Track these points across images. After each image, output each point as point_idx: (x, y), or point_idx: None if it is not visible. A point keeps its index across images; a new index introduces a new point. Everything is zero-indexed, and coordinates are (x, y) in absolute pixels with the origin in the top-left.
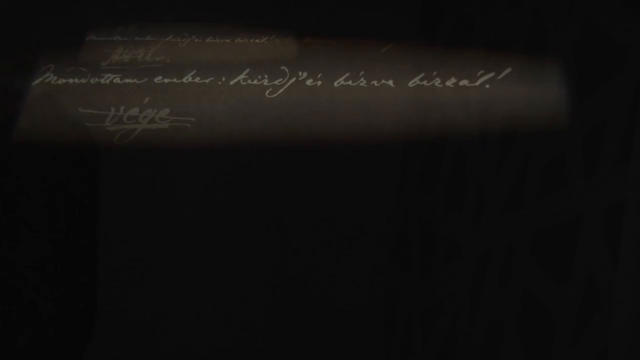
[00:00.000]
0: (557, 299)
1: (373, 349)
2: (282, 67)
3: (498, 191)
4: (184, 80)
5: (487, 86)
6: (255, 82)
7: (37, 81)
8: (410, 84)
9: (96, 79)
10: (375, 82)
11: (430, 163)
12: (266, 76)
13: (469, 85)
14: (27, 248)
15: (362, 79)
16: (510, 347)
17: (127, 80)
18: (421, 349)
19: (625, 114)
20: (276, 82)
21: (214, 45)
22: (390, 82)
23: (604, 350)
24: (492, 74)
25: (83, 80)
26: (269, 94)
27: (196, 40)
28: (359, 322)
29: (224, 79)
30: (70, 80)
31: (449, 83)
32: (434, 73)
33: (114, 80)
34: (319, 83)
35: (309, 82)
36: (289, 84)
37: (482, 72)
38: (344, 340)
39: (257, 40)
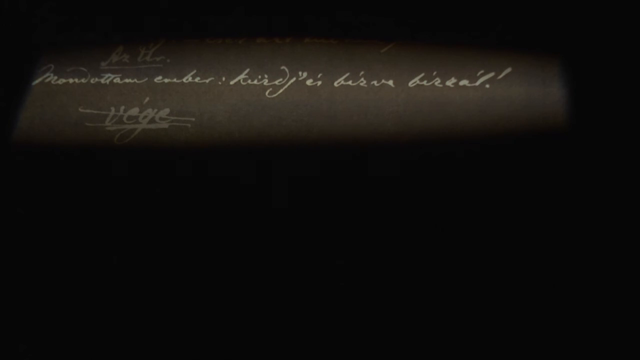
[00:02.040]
0: None
1: None
2: (282, 67)
3: None
4: (184, 80)
5: (487, 86)
6: (255, 82)
7: (37, 81)
8: (410, 84)
9: (96, 79)
10: (375, 82)
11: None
12: (266, 76)
13: (469, 85)
14: None
15: (362, 79)
16: None
17: (127, 80)
18: None
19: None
20: (276, 82)
21: (214, 45)
22: (390, 82)
23: None
24: (492, 74)
25: (83, 80)
26: (269, 94)
27: (196, 40)
28: None
29: (224, 79)
30: (70, 80)
31: (449, 83)
32: (434, 73)
33: (114, 80)
34: (319, 83)
35: (309, 82)
36: (289, 84)
37: (482, 72)
38: None
39: (257, 40)
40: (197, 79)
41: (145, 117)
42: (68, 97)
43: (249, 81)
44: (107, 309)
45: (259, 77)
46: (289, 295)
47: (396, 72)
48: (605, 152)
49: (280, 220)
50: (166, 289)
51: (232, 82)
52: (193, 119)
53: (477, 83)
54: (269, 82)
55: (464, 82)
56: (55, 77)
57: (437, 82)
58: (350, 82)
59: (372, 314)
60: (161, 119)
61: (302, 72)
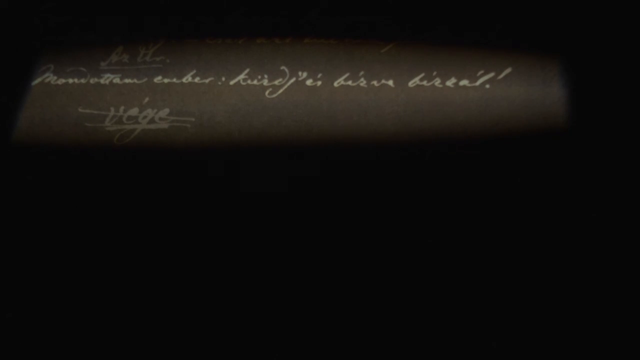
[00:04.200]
0: None
1: None
2: (282, 67)
3: None
4: (184, 80)
5: (487, 86)
6: (255, 82)
7: (37, 81)
8: (410, 84)
9: (96, 79)
10: (375, 82)
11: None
12: (266, 76)
13: (469, 85)
14: None
15: (362, 79)
16: None
17: (127, 80)
18: None
19: None
20: (276, 82)
21: (214, 45)
22: (390, 82)
23: None
24: (492, 74)
25: (83, 81)
26: (268, 94)
27: (196, 40)
28: None
29: (224, 79)
30: (70, 80)
31: (449, 83)
32: (434, 73)
33: (114, 80)
34: (319, 83)
35: (309, 82)
36: (289, 84)
37: (482, 72)
38: None
39: (257, 40)
40: (197, 79)
41: (145, 117)
42: (68, 97)
43: (249, 81)
44: (107, 309)
45: (259, 77)
46: (289, 295)
47: (396, 72)
48: (606, 152)
49: (280, 220)
50: (166, 289)
51: (232, 82)
52: (193, 119)
53: (477, 83)
54: (268, 82)
55: (464, 82)
56: (55, 77)
57: (437, 82)
58: (350, 82)
59: (373, 314)
60: (161, 119)
61: (302, 72)
